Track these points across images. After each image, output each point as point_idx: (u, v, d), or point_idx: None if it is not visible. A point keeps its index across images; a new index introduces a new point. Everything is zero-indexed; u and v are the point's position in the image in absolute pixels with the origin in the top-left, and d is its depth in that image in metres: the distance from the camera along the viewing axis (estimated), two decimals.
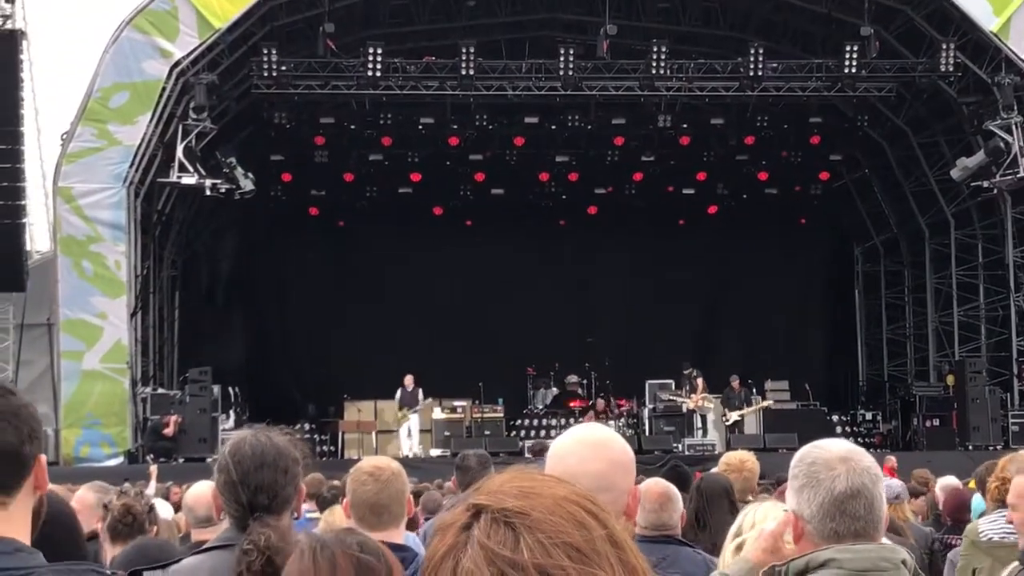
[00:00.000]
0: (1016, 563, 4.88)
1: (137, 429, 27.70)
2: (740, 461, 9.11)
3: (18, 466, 2.63)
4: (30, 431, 2.65)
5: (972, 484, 10.65)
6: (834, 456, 3.77)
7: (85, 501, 7.44)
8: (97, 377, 27.57)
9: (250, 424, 4.71)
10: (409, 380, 30.38)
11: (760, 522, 5.17)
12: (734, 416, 30.36)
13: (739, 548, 5.16)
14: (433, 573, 1.74)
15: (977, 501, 9.70)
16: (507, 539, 1.70)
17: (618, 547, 1.76)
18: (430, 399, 30.86)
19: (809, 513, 3.71)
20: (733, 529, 5.24)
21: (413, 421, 30.23)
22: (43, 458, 2.71)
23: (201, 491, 7.25)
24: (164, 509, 10.00)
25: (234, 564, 4.04)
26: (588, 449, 3.66)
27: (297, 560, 3.30)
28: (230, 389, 30.85)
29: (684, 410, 30.67)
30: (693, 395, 30.51)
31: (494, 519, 1.73)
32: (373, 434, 30.80)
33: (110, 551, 7.35)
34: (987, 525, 7.55)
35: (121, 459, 27.07)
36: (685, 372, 31.22)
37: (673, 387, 31.72)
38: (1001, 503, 7.60)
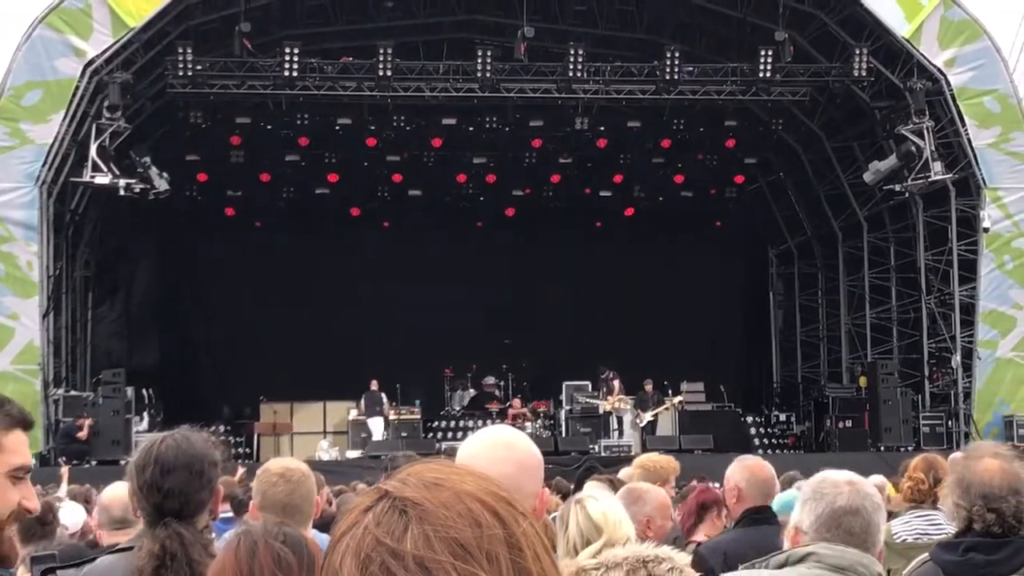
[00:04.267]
0: (925, 555, 5.00)
1: (49, 431, 27.33)
2: (652, 461, 9.14)
3: None
4: None
5: (891, 491, 10.66)
6: (842, 479, 4.06)
7: None
8: (8, 378, 27.13)
9: (163, 427, 4.70)
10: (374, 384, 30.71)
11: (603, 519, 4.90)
12: (647, 417, 30.52)
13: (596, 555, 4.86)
14: (330, 551, 1.72)
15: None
16: (395, 528, 1.67)
17: (515, 550, 1.69)
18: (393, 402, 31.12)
19: (808, 524, 3.91)
20: (570, 537, 4.88)
21: (375, 424, 30.35)
22: None
23: (116, 492, 7.15)
24: (78, 512, 9.87)
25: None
26: (497, 451, 3.66)
27: (224, 548, 3.38)
28: (144, 391, 30.57)
29: (600, 412, 30.85)
30: (610, 397, 30.66)
31: (392, 506, 1.70)
32: (289, 436, 30.63)
33: (20, 551, 7.23)
34: (901, 527, 7.61)
35: (32, 462, 26.67)
36: (602, 375, 31.34)
37: (590, 389, 31.90)
38: (914, 503, 7.69)
